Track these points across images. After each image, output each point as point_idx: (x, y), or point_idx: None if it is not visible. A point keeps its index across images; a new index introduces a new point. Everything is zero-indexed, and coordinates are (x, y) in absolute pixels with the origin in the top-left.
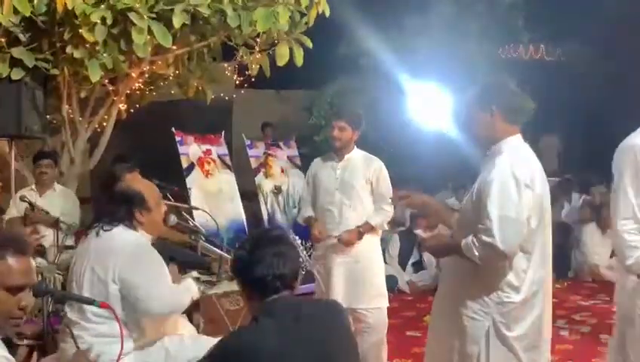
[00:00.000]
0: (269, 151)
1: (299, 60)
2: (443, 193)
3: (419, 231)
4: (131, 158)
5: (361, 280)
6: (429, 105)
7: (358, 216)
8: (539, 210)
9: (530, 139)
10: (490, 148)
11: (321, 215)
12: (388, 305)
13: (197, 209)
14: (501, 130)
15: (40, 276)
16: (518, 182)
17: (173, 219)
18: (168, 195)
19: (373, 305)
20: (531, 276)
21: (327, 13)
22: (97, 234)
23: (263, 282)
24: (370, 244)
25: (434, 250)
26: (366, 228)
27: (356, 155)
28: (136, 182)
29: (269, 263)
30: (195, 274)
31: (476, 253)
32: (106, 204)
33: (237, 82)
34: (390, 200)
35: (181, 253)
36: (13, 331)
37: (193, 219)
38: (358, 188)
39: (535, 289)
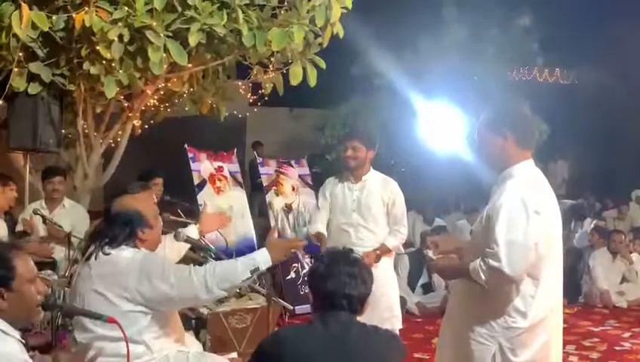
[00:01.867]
0: (281, 170)
1: (312, 81)
2: (455, 214)
3: (429, 253)
4: (159, 175)
5: (375, 302)
6: (443, 126)
7: (374, 237)
8: (548, 236)
9: (543, 162)
10: (501, 173)
11: (337, 234)
12: (401, 326)
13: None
14: (513, 155)
15: (50, 290)
16: (526, 208)
17: (183, 235)
18: (179, 211)
19: (387, 327)
20: (539, 302)
21: (342, 35)
22: (96, 258)
23: (332, 297)
24: (385, 266)
25: (443, 272)
26: (383, 251)
27: (374, 177)
28: (132, 200)
29: (342, 281)
30: None
31: (483, 277)
32: (107, 227)
33: (251, 100)
34: (405, 223)
35: None
36: (37, 315)
37: (203, 235)
38: (374, 210)
39: (543, 315)
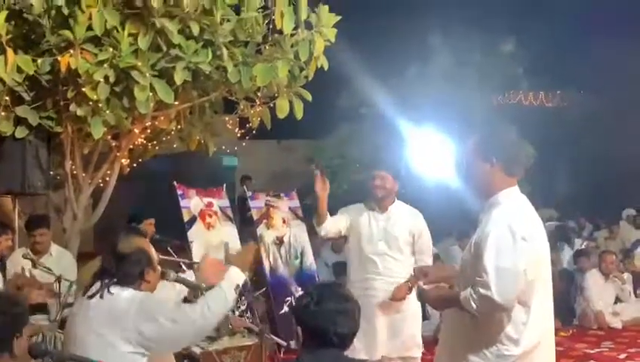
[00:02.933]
0: (271, 203)
1: (299, 113)
2: (447, 241)
3: (419, 283)
4: (150, 215)
5: (400, 330)
6: (431, 153)
7: (400, 267)
8: (536, 262)
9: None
10: (488, 200)
11: (363, 262)
12: (420, 354)
13: (198, 263)
14: (500, 182)
15: (41, 335)
16: (514, 235)
17: (172, 275)
18: (169, 249)
19: (409, 354)
20: (531, 328)
21: (326, 67)
22: (102, 296)
23: (322, 335)
24: (413, 296)
25: (434, 301)
26: (413, 283)
27: (400, 208)
28: (141, 239)
29: (333, 320)
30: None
31: (474, 306)
32: (116, 265)
33: (239, 134)
34: (431, 254)
35: None
36: None
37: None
38: (401, 241)
39: (535, 341)
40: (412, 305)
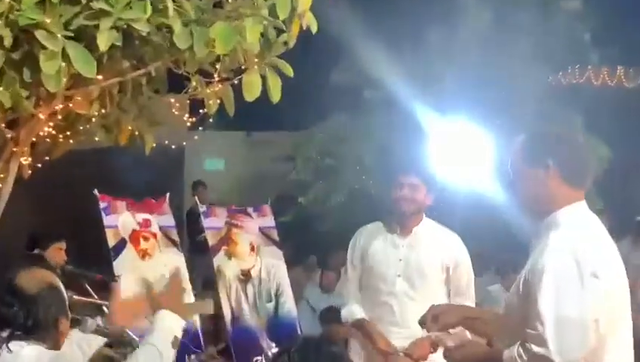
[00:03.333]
0: (234, 221)
1: (275, 94)
2: (484, 277)
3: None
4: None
5: None
6: (461, 153)
7: None
8: (612, 309)
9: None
10: (543, 220)
11: (374, 308)
12: None
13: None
14: (559, 195)
15: None
16: (581, 271)
17: (91, 323)
18: (87, 287)
19: None
20: None
21: (315, 29)
22: None
23: None
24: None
25: None
26: (442, 336)
27: (428, 228)
28: (44, 275)
29: None
30: None
31: None
32: (19, 311)
33: (189, 123)
34: (473, 295)
35: None
36: None
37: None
38: (430, 277)
39: None
40: None
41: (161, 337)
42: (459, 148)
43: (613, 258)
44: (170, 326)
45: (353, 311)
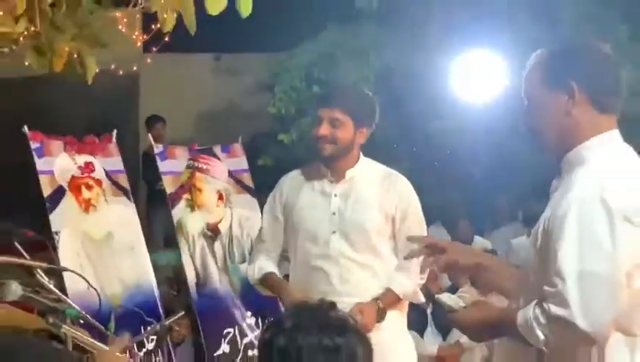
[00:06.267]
0: (197, 164)
1: (245, 5)
2: (509, 228)
3: (441, 297)
4: None
5: None
6: (482, 82)
7: (371, 278)
8: None
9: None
10: (566, 155)
11: (305, 276)
12: None
13: (66, 270)
14: (586, 123)
15: None
16: (611, 215)
17: (15, 288)
18: (16, 244)
19: None
20: None
21: None
22: None
23: None
24: (395, 325)
25: (470, 329)
26: (388, 301)
27: (366, 171)
28: None
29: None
30: None
31: (541, 336)
32: None
33: (140, 43)
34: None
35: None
36: None
37: (62, 287)
38: (370, 231)
39: None
40: (398, 341)
41: None
42: (466, 71)
43: None
44: None
45: (261, 266)
